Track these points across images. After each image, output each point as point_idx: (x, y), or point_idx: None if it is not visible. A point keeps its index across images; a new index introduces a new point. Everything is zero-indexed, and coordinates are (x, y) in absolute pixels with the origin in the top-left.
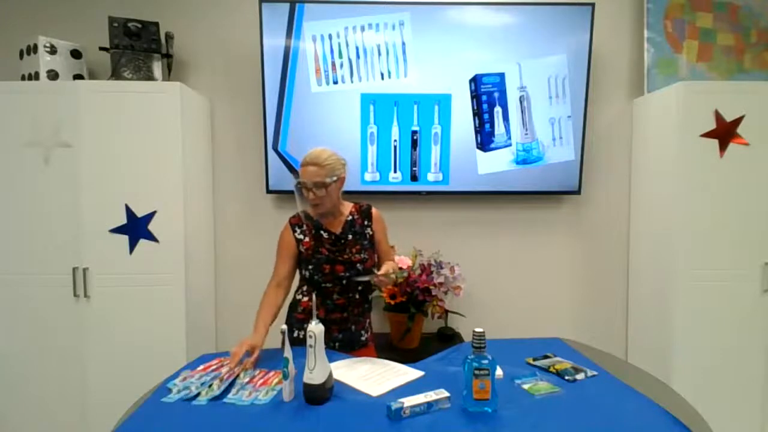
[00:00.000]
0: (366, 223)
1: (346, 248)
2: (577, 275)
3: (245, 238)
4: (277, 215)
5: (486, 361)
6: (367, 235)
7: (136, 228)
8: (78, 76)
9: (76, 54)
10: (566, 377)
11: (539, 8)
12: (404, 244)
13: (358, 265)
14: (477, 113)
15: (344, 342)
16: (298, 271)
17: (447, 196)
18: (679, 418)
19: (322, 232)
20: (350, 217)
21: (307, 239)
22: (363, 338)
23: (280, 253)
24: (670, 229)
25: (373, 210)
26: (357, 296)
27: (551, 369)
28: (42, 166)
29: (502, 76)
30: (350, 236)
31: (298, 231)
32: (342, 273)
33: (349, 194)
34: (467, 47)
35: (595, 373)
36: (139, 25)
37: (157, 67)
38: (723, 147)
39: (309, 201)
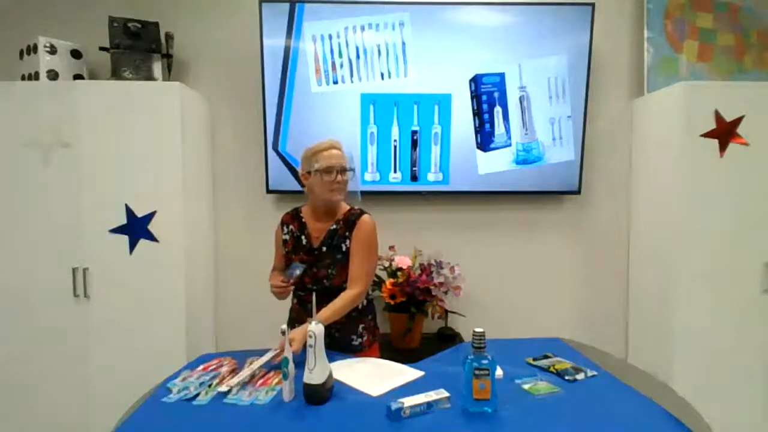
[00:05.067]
0: (347, 233)
1: (318, 260)
2: (577, 275)
3: (245, 238)
4: (277, 215)
5: (486, 361)
6: (344, 247)
7: (136, 228)
8: (78, 76)
9: (76, 54)
10: (566, 377)
11: (539, 8)
12: (404, 244)
13: (324, 281)
14: (477, 113)
15: (330, 347)
16: None
17: (447, 196)
18: (679, 418)
19: (303, 237)
20: (334, 226)
21: (289, 241)
22: (355, 343)
23: (275, 248)
24: (670, 229)
25: (362, 218)
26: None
27: (551, 369)
28: (42, 166)
29: (502, 76)
30: (324, 248)
31: (286, 231)
32: (309, 285)
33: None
34: (467, 47)
35: (595, 373)
36: (139, 25)
37: (157, 67)
38: (723, 147)
39: (335, 185)
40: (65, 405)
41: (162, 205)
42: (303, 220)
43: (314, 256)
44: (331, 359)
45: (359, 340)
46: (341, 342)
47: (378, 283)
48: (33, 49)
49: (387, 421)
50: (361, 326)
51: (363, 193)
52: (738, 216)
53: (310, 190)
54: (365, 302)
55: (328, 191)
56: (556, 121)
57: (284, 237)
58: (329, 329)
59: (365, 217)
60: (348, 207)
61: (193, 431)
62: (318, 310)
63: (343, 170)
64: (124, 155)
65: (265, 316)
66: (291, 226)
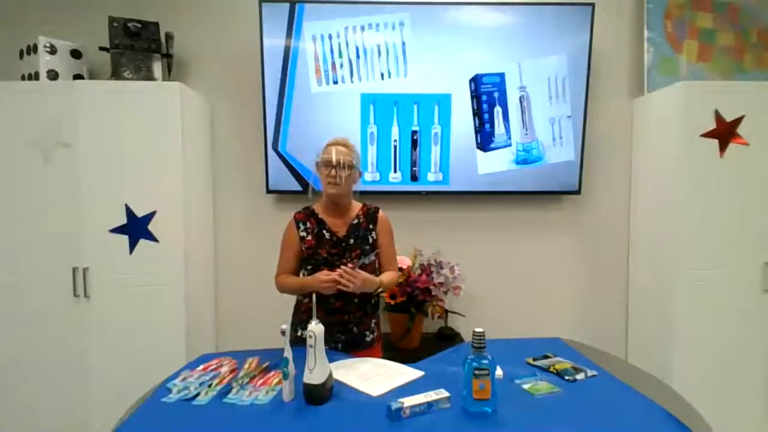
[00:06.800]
0: (371, 227)
1: (346, 252)
2: (577, 275)
3: (245, 238)
4: (277, 215)
5: (486, 361)
6: (370, 240)
7: (136, 228)
8: (78, 76)
9: (76, 54)
10: (566, 377)
11: (539, 8)
12: (404, 244)
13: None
14: (477, 113)
15: (347, 343)
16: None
17: (447, 196)
18: (679, 418)
19: (324, 232)
20: (356, 220)
21: (309, 238)
22: (368, 339)
23: (284, 249)
24: (670, 229)
25: (380, 213)
26: (355, 299)
27: (551, 369)
28: (42, 166)
29: (502, 76)
30: (352, 240)
31: (302, 228)
32: None
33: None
34: (467, 47)
35: (595, 373)
36: (139, 25)
37: (157, 67)
38: (723, 147)
39: (329, 179)
40: (65, 405)
41: (162, 205)
42: (319, 216)
43: (341, 249)
44: (331, 359)
45: (371, 335)
46: (358, 338)
47: None
48: (33, 49)
49: (387, 421)
50: (372, 321)
51: (363, 193)
52: (738, 216)
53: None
54: (377, 298)
55: (325, 184)
56: (556, 121)
57: (301, 234)
58: (347, 325)
59: (381, 212)
60: (362, 204)
61: (193, 431)
62: (318, 310)
63: (340, 165)
64: (124, 155)
65: (265, 316)
66: (307, 223)
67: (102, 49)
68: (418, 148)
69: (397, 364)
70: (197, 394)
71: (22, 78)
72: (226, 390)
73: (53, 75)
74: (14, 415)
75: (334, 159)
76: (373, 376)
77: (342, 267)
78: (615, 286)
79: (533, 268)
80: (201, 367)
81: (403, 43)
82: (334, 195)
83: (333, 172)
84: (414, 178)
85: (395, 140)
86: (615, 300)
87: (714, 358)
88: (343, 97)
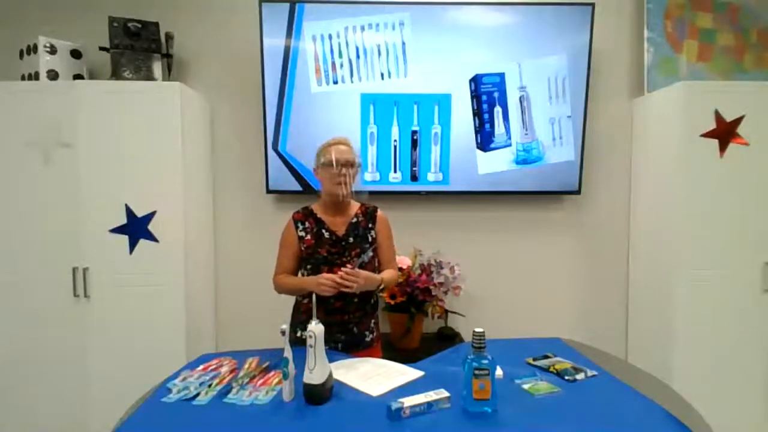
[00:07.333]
0: (370, 225)
1: (345, 251)
2: (577, 275)
3: (245, 238)
4: (277, 215)
5: (486, 361)
6: (370, 238)
7: (136, 228)
8: (78, 76)
9: (76, 54)
10: (566, 377)
11: (539, 8)
12: (404, 244)
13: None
14: (477, 113)
15: (347, 343)
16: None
17: (447, 196)
18: (679, 418)
19: (323, 231)
20: (355, 219)
21: (308, 237)
22: (368, 339)
23: (283, 248)
24: (670, 229)
25: (379, 212)
26: (355, 299)
27: (551, 369)
28: (42, 166)
29: (502, 76)
30: (352, 239)
31: (301, 228)
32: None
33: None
34: (467, 47)
35: (595, 373)
36: (139, 25)
37: (157, 67)
38: (723, 147)
39: (339, 179)
40: (65, 405)
41: (162, 205)
42: (318, 216)
43: (340, 247)
44: (331, 359)
45: (371, 336)
46: (358, 338)
47: None
48: (33, 49)
49: (387, 421)
50: (372, 321)
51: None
52: (738, 216)
53: (321, 185)
54: (376, 297)
55: (332, 185)
56: (556, 121)
57: (300, 234)
58: (347, 325)
59: (380, 211)
60: (360, 203)
61: (193, 431)
62: (318, 310)
63: (347, 164)
64: (124, 155)
65: (265, 316)
66: (306, 223)
67: (102, 49)
68: (418, 148)
69: (397, 364)
70: (197, 394)
71: (22, 78)
72: (226, 390)
73: (53, 75)
74: (14, 415)
75: (340, 158)
76: (373, 376)
77: (342, 269)
78: (615, 286)
79: (533, 268)
80: (201, 367)
81: (403, 43)
82: (344, 195)
83: (343, 170)
84: (414, 178)
85: (395, 140)
86: (615, 300)
87: (714, 358)
88: (343, 97)
